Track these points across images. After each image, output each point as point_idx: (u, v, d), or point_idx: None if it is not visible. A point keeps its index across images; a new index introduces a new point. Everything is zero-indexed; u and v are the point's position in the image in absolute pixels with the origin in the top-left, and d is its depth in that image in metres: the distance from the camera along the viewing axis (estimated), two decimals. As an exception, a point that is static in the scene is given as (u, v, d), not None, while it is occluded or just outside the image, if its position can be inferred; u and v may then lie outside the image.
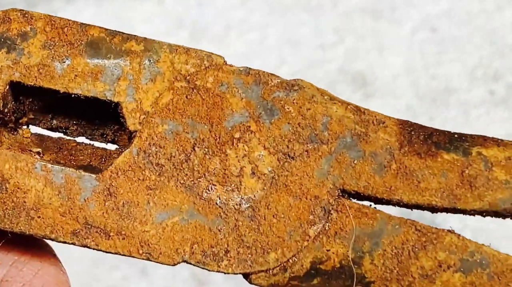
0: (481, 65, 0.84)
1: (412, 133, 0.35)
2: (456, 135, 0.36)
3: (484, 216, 0.39)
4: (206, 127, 0.34)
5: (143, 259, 0.34)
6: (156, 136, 0.34)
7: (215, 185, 0.34)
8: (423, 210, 0.38)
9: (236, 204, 0.34)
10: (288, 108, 0.34)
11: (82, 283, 0.72)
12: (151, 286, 0.71)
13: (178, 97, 0.34)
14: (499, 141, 0.38)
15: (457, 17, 0.88)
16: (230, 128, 0.34)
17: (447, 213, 0.38)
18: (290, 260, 0.34)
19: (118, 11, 0.89)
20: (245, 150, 0.34)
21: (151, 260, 0.34)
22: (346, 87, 0.85)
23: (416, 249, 0.35)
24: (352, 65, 0.86)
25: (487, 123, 0.79)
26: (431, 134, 0.36)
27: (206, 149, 0.34)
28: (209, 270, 0.34)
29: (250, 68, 0.35)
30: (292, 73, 0.84)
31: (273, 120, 0.34)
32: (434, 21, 0.88)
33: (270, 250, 0.34)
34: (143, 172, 0.34)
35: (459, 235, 0.37)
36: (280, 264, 0.34)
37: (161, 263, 0.34)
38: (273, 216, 0.34)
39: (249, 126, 0.34)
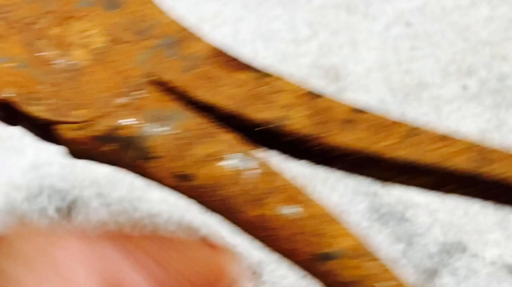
0: (455, 60, 0.84)
1: (225, 54, 0.42)
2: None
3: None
4: (59, 3, 0.41)
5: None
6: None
7: (50, 48, 0.40)
8: (218, 112, 0.41)
9: (63, 66, 0.39)
10: (129, 6, 0.41)
11: None
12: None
13: None
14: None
15: (432, 12, 0.88)
16: (78, 8, 0.41)
17: (236, 122, 0.41)
18: (95, 121, 0.38)
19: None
20: (85, 27, 0.41)
21: None
22: (319, 81, 0.84)
23: (199, 137, 0.39)
24: (325, 59, 0.86)
25: (459, 118, 0.79)
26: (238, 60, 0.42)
27: (53, 19, 0.40)
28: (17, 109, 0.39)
29: None
30: (265, 67, 0.83)
31: (114, 11, 0.41)
32: (409, 16, 0.88)
33: (80, 107, 0.38)
34: None
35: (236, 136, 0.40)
36: (85, 121, 0.38)
37: None
38: (91, 82, 0.39)
39: (95, 10, 0.41)
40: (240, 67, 0.42)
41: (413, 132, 0.39)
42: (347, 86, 0.82)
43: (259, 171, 0.38)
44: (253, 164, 0.38)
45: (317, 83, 0.84)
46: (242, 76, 0.41)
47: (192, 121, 0.40)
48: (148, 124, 0.39)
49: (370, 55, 0.85)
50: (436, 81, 0.82)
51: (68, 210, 0.74)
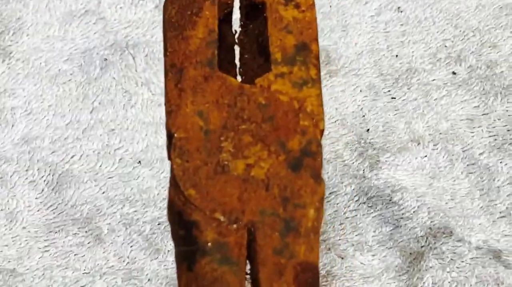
0: (445, 47, 0.84)
1: None
2: None
3: None
4: None
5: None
6: None
7: None
8: None
9: None
10: None
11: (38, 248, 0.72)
12: (105, 253, 0.71)
13: None
14: None
15: (423, -1, 0.89)
16: None
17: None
18: None
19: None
20: None
21: None
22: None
23: None
24: (316, 42, 0.86)
25: (448, 104, 0.80)
26: None
27: None
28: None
29: None
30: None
31: None
32: (400, 2, 0.88)
33: None
34: None
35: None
36: None
37: None
38: None
39: None
40: None
41: None
42: (338, 70, 0.82)
43: None
44: None
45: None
46: None
47: None
48: None
49: (361, 39, 0.86)
50: (426, 67, 0.83)
51: (58, 184, 0.74)
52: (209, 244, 0.32)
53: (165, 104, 0.34)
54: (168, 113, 0.34)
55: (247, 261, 0.33)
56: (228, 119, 0.33)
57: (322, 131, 0.35)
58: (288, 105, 0.35)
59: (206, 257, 0.32)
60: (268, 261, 0.32)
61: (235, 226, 0.32)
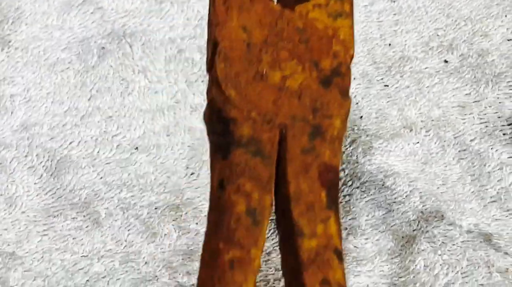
0: (437, 36, 0.86)
1: None
2: None
3: None
4: None
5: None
6: None
7: None
8: None
9: None
10: None
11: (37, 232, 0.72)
12: (103, 237, 0.72)
13: None
14: None
15: (416, -12, 0.90)
16: None
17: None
18: None
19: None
20: None
21: None
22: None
23: None
24: (311, 31, 0.87)
25: (440, 91, 0.81)
26: None
27: None
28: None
29: None
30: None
31: None
32: (394, -8, 0.89)
33: None
34: None
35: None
36: None
37: None
38: None
39: None
40: None
41: None
42: (331, 58, 0.83)
43: None
44: None
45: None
46: None
47: None
48: None
49: (355, 28, 0.87)
50: (418, 56, 0.84)
51: (56, 170, 0.75)
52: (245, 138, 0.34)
53: (210, 19, 0.38)
54: (215, 25, 0.37)
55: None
56: (269, 36, 0.37)
57: (352, 57, 0.41)
58: (323, 31, 0.39)
59: (240, 149, 0.36)
60: (296, 158, 0.37)
61: (269, 125, 0.33)
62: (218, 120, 0.36)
